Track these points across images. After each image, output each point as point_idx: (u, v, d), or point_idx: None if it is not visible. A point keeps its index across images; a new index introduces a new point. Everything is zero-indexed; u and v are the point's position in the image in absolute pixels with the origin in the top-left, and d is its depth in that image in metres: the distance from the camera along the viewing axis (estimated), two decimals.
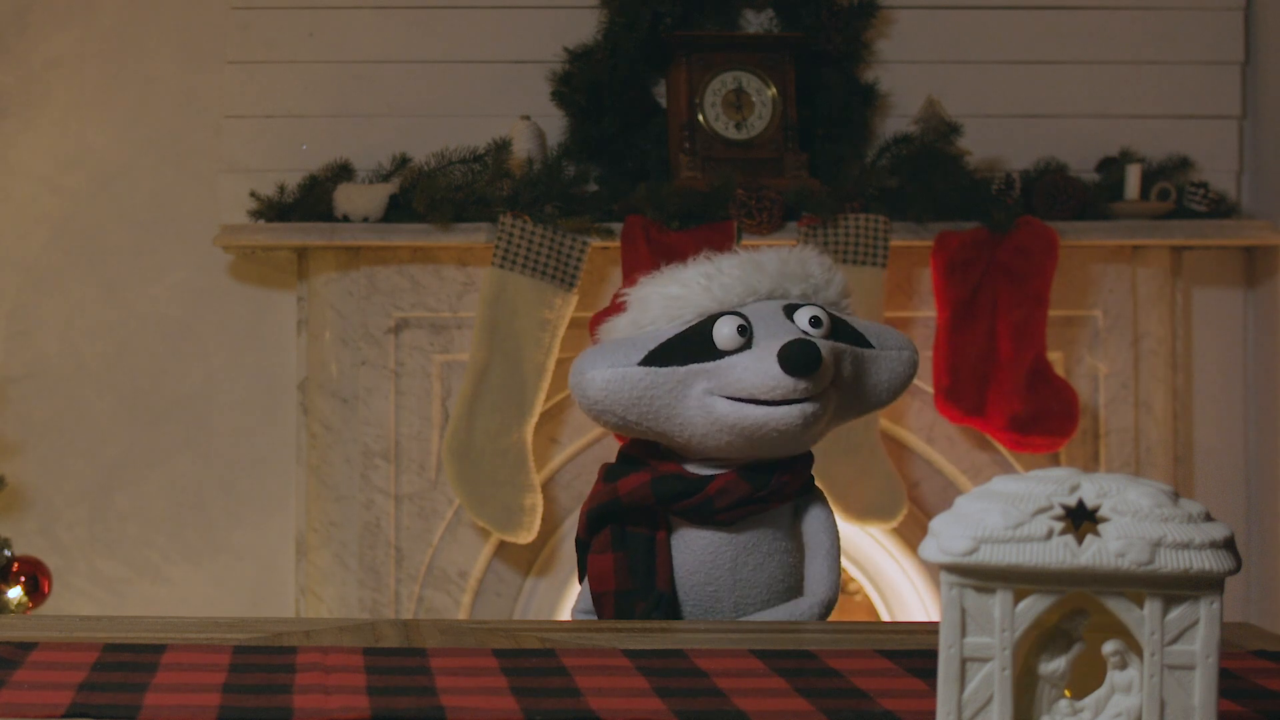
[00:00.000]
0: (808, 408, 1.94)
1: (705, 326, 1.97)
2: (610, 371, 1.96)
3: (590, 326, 2.14)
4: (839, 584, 2.04)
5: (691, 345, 1.96)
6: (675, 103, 3.76)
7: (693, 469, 2.00)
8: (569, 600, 3.77)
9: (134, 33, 3.87)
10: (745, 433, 1.94)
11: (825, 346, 1.95)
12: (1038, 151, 3.88)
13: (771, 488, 1.97)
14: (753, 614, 1.99)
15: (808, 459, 2.04)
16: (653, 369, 1.96)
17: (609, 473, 2.04)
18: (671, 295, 2.01)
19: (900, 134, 3.80)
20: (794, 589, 2.02)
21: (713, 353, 1.95)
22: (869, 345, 2.03)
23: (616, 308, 2.07)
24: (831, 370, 1.96)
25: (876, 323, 2.11)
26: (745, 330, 1.95)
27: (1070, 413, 3.70)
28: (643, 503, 1.98)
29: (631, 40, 3.76)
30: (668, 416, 1.96)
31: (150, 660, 1.53)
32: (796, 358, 1.91)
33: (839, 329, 2.01)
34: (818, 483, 2.08)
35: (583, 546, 2.04)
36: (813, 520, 2.03)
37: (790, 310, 1.98)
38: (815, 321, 1.97)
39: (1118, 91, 3.96)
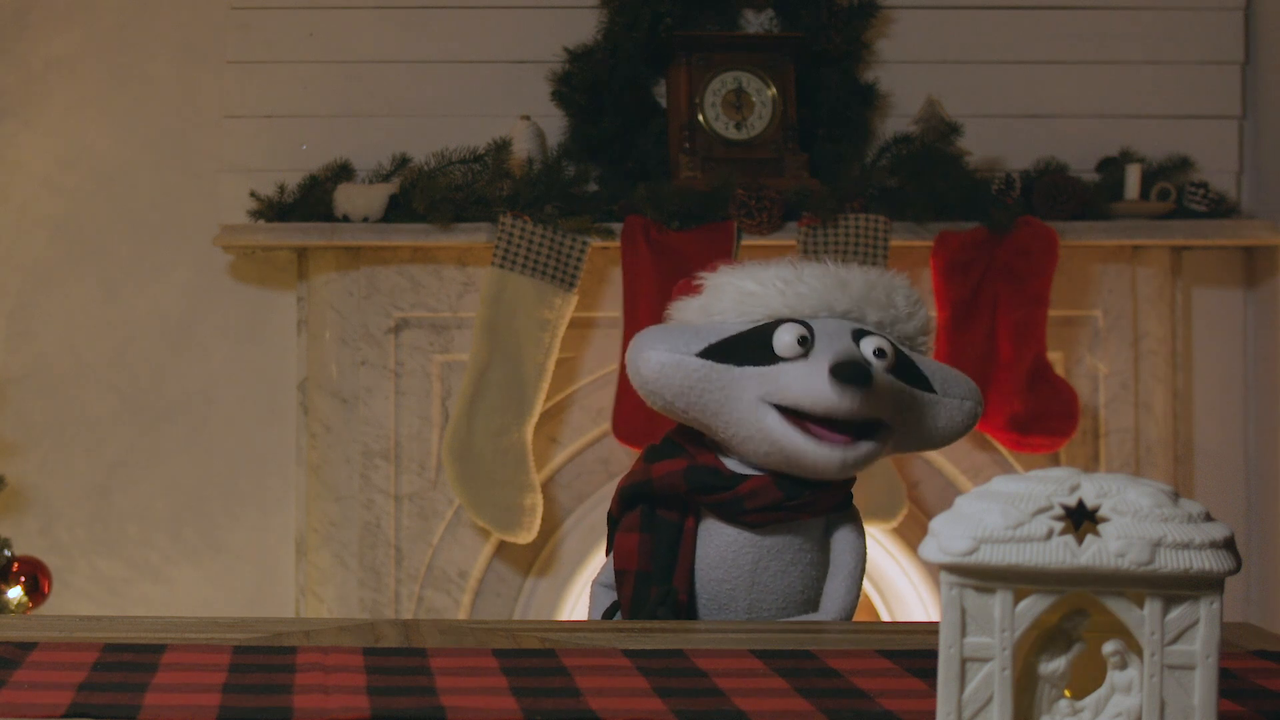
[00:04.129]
0: (849, 455, 1.92)
1: (769, 330, 1.95)
2: (668, 355, 1.95)
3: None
4: (855, 606, 2.02)
5: (751, 347, 1.94)
6: (675, 103, 3.76)
7: (731, 465, 1.99)
8: (569, 600, 3.77)
9: (134, 33, 3.87)
10: (785, 453, 1.93)
11: (884, 379, 1.92)
12: (1038, 151, 3.88)
13: (804, 500, 1.96)
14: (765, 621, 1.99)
15: (848, 479, 2.02)
16: (709, 363, 1.94)
17: (649, 453, 2.03)
18: (746, 291, 1.99)
19: (900, 134, 3.80)
20: (812, 603, 2.01)
21: (770, 358, 1.94)
22: (931, 389, 2.00)
23: (692, 289, 2.06)
24: (886, 399, 1.93)
25: (949, 368, 2.06)
26: (806, 341, 1.93)
27: (1070, 413, 3.70)
28: (673, 489, 1.97)
29: (631, 40, 3.76)
30: (714, 412, 1.95)
31: (150, 660, 1.53)
32: (847, 371, 1.88)
33: (903, 367, 1.98)
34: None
35: (613, 521, 2.04)
36: (841, 539, 2.02)
37: (859, 335, 1.96)
38: (880, 353, 1.95)
39: (1118, 91, 3.96)
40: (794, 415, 1.92)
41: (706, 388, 1.94)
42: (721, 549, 1.98)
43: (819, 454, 1.91)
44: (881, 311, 2.00)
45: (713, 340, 1.96)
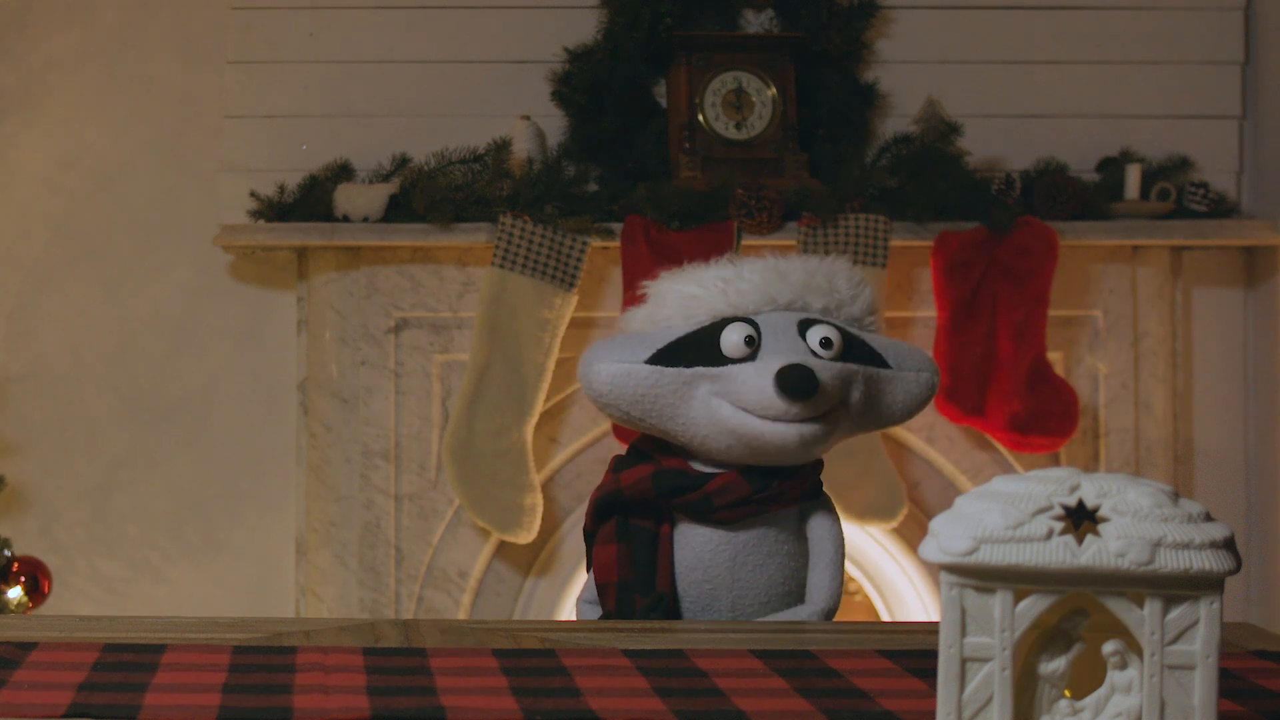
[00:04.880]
0: (806, 429, 1.93)
1: (715, 330, 1.96)
2: (617, 366, 1.96)
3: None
4: (840, 593, 2.03)
5: (699, 348, 1.96)
6: (675, 103, 3.76)
7: (697, 466, 2.00)
8: (569, 600, 3.77)
9: (134, 33, 3.87)
10: (744, 440, 1.94)
11: (830, 370, 1.93)
12: (1038, 151, 3.88)
13: (772, 491, 1.97)
14: (750, 616, 1.99)
15: (816, 465, 2.03)
16: (658, 368, 1.95)
17: (616, 464, 2.04)
18: (688, 294, 2.00)
19: (900, 134, 3.80)
20: (794, 593, 2.02)
21: (718, 358, 1.95)
22: (886, 365, 2.01)
23: (638, 298, 2.07)
24: (835, 395, 1.94)
25: (903, 342, 2.08)
26: (753, 341, 1.95)
27: (1070, 413, 3.70)
28: (643, 495, 1.98)
29: (631, 40, 3.76)
30: (671, 415, 1.96)
31: (150, 660, 1.53)
32: (792, 382, 1.90)
33: (854, 349, 1.99)
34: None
35: (589, 537, 2.05)
36: (817, 527, 2.03)
37: (805, 326, 1.97)
38: (826, 343, 1.96)
39: (1118, 91, 3.96)
40: None
41: (659, 393, 1.95)
42: (698, 550, 1.99)
43: (775, 431, 1.92)
44: (825, 297, 2.01)
45: (659, 345, 1.97)
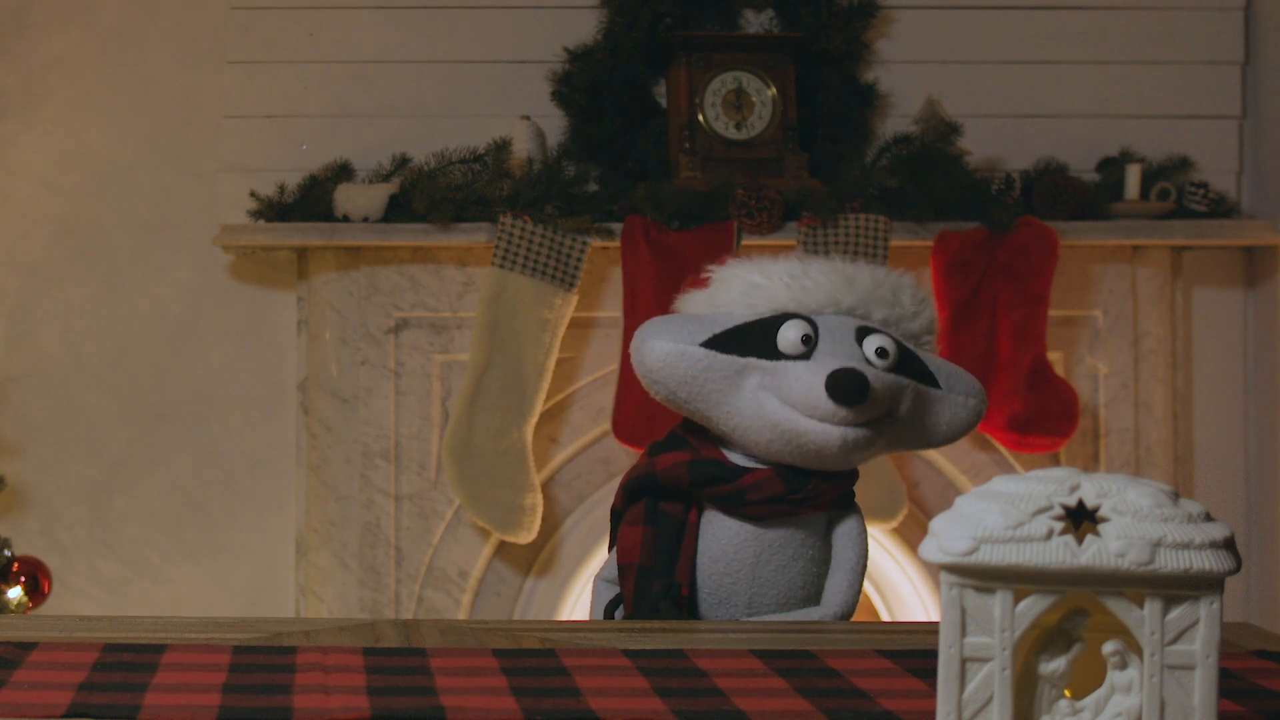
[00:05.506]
0: (849, 433, 1.92)
1: (774, 324, 1.96)
2: (671, 345, 1.96)
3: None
4: (856, 602, 2.02)
5: (755, 338, 1.95)
6: (675, 103, 3.76)
7: (734, 459, 1.99)
8: (569, 600, 3.77)
9: (134, 33, 3.87)
10: (786, 436, 1.93)
11: (883, 380, 1.93)
12: (1038, 151, 3.88)
13: (806, 493, 1.96)
14: (765, 615, 1.99)
15: (851, 474, 2.03)
16: (712, 353, 1.95)
17: (652, 447, 2.04)
18: (753, 283, 2.00)
19: (900, 134, 3.80)
20: (813, 598, 2.01)
21: (774, 352, 1.94)
22: (936, 385, 2.01)
23: (700, 283, 2.07)
24: (884, 405, 1.93)
25: (955, 366, 2.07)
26: (809, 340, 1.94)
27: (1070, 413, 3.70)
28: (677, 482, 1.98)
29: (631, 40, 3.76)
30: (717, 402, 1.96)
31: (150, 660, 1.53)
32: (843, 385, 1.89)
33: (907, 363, 1.98)
34: None
35: (616, 516, 2.05)
36: (843, 534, 2.03)
37: (863, 333, 1.97)
38: (882, 352, 1.95)
39: (1118, 91, 3.96)
40: None
41: (710, 378, 1.95)
42: (723, 542, 1.99)
43: (819, 431, 1.92)
44: (887, 309, 2.01)
45: (716, 330, 1.96)
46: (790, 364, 1.93)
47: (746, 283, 2.00)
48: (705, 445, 2.01)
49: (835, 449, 1.93)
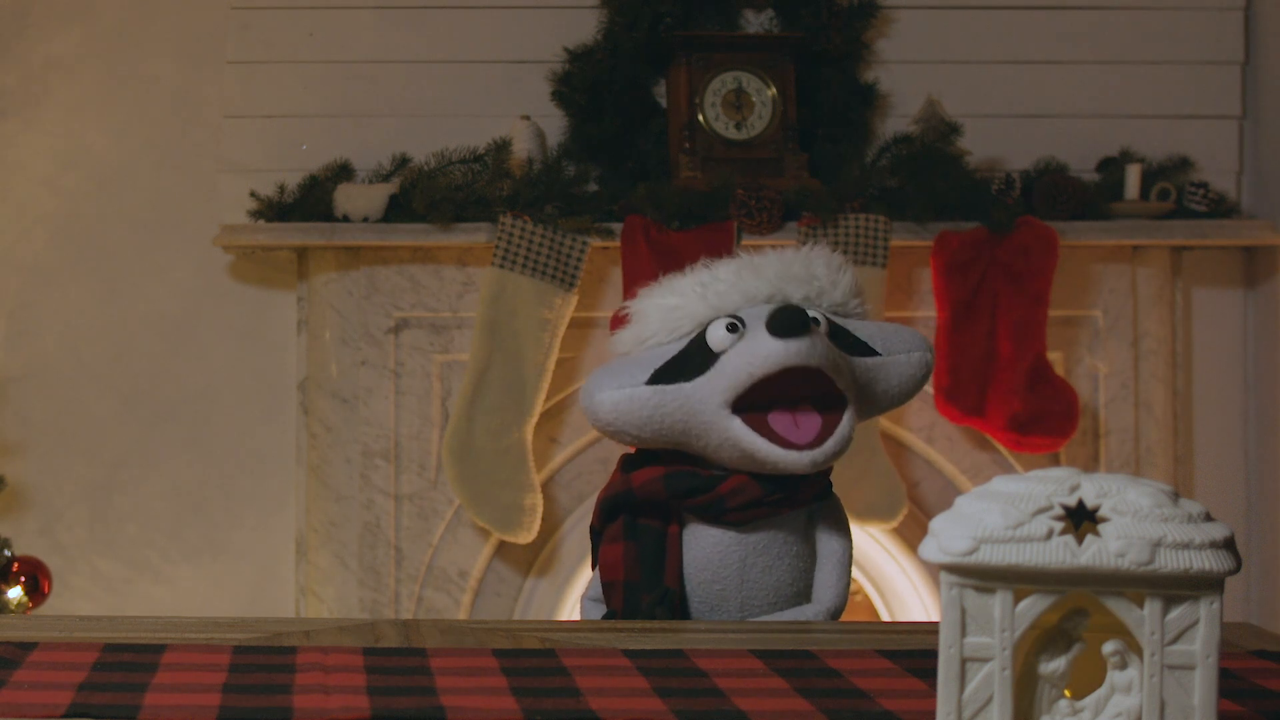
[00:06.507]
0: (818, 455, 1.92)
1: (702, 336, 1.96)
2: (618, 393, 1.96)
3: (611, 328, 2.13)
4: (847, 593, 2.03)
5: (692, 358, 1.95)
6: (675, 103, 3.76)
7: (708, 467, 1.99)
8: (569, 600, 3.77)
9: (134, 33, 3.87)
10: (754, 459, 1.93)
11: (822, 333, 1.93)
12: (1038, 151, 3.88)
13: (784, 493, 1.96)
14: (758, 617, 1.99)
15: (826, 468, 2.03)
16: (659, 387, 1.95)
17: (626, 463, 2.03)
18: (669, 306, 2.00)
19: (900, 134, 3.80)
20: (803, 594, 2.01)
21: (711, 359, 1.94)
22: (874, 353, 2.00)
23: (619, 320, 2.07)
24: (823, 343, 1.92)
25: (890, 324, 2.07)
26: (736, 328, 1.94)
27: (1070, 413, 3.70)
28: (655, 496, 1.97)
29: (631, 40, 3.76)
30: (682, 431, 1.96)
31: (150, 660, 1.53)
32: (782, 321, 1.88)
33: (839, 336, 1.98)
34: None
35: (595, 534, 2.04)
36: (826, 528, 2.02)
37: None
38: (814, 321, 1.95)
39: (1118, 91, 3.96)
40: (758, 416, 1.92)
41: (665, 412, 1.94)
42: (708, 551, 1.99)
43: (787, 458, 1.91)
44: (804, 286, 1.99)
45: (656, 365, 1.96)
46: (731, 350, 1.92)
47: (662, 308, 2.00)
48: (676, 457, 2.01)
49: (806, 470, 1.93)
